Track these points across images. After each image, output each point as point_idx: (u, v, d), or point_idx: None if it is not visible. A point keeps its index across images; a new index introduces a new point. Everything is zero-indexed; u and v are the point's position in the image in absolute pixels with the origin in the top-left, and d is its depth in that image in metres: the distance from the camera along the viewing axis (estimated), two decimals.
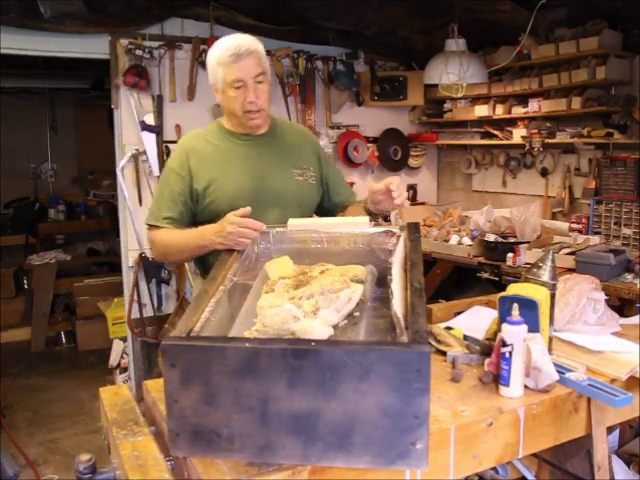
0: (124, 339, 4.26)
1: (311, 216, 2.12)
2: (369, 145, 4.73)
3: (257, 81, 1.92)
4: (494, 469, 1.91)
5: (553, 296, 1.58)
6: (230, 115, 2.02)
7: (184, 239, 1.92)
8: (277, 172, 2.04)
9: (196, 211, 2.01)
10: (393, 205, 1.88)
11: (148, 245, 2.12)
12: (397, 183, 1.82)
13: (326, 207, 2.19)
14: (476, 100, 4.43)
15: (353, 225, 1.82)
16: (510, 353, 1.40)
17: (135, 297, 3.97)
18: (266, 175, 2.01)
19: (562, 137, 3.91)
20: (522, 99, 4.12)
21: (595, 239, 3.53)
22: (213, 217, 1.91)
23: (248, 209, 1.75)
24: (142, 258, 3.95)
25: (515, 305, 1.43)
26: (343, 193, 2.22)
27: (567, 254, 3.32)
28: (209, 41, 3.95)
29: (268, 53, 4.22)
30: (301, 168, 2.08)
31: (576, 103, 3.72)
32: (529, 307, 1.48)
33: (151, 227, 2.01)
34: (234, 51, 1.88)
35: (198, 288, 2.04)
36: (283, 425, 1.10)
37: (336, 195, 2.19)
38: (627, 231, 3.61)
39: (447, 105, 4.69)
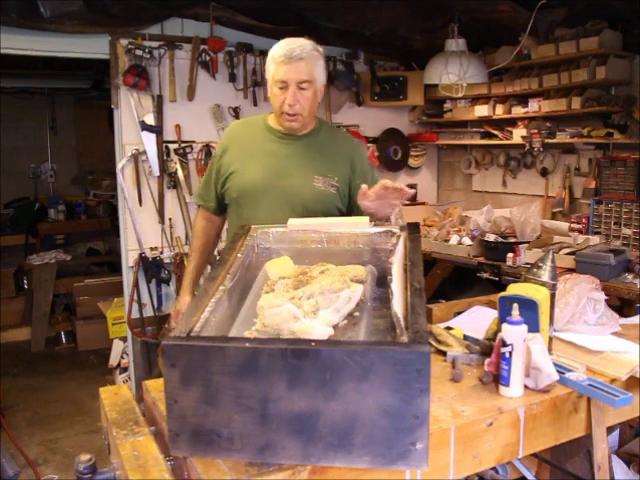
0: (124, 339, 4.26)
1: None
2: (369, 145, 4.73)
3: (300, 87, 1.98)
4: (494, 469, 1.91)
5: (553, 296, 1.58)
6: (274, 112, 2.11)
7: (188, 263, 2.37)
8: (296, 174, 2.07)
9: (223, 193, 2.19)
10: (388, 209, 1.92)
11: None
12: (384, 182, 1.84)
13: None
14: (476, 100, 4.43)
15: (353, 225, 1.82)
16: (510, 353, 1.40)
17: (135, 297, 3.97)
18: (284, 175, 2.07)
19: (562, 137, 3.91)
20: (522, 99, 4.12)
21: (595, 239, 3.53)
22: (229, 202, 2.16)
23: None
24: (142, 258, 3.95)
25: (515, 305, 1.43)
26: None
27: (567, 254, 3.32)
28: (209, 41, 3.95)
29: (267, 53, 4.25)
30: (324, 176, 2.09)
31: (576, 103, 3.72)
32: (529, 307, 1.48)
33: (199, 206, 2.33)
34: (286, 53, 1.96)
35: None
36: (283, 425, 1.10)
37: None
38: (627, 231, 3.61)
39: (447, 105, 4.69)
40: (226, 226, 2.34)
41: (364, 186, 1.88)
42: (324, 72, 2.06)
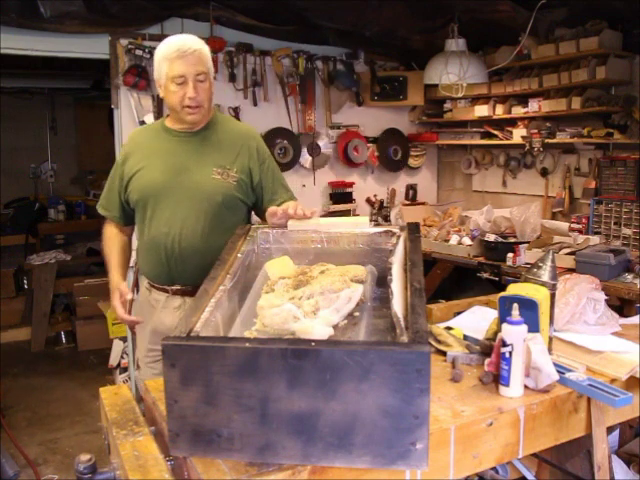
0: (124, 339, 4.26)
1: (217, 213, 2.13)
2: (369, 145, 4.73)
3: (198, 79, 1.99)
4: (494, 469, 1.91)
5: (553, 296, 1.58)
6: (171, 110, 2.10)
7: (107, 257, 2.27)
8: (195, 169, 2.07)
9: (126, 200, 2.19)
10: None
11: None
12: (294, 206, 1.87)
13: (265, 208, 2.17)
14: (476, 100, 4.43)
15: (353, 225, 1.83)
16: (510, 353, 1.40)
17: (135, 297, 3.96)
18: (183, 171, 2.07)
19: (562, 137, 3.91)
20: (522, 99, 4.12)
21: (595, 239, 3.53)
22: (134, 207, 2.15)
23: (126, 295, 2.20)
24: None
25: (515, 305, 1.43)
26: (278, 198, 2.19)
27: (567, 254, 3.32)
28: (209, 41, 3.94)
29: (267, 53, 4.27)
30: (223, 167, 2.08)
31: (576, 103, 3.72)
32: (529, 307, 1.48)
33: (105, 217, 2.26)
34: (179, 47, 1.96)
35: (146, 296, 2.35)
36: (283, 425, 1.10)
37: (269, 200, 2.17)
38: (627, 231, 3.61)
39: (447, 105, 4.69)
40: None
41: (272, 208, 1.92)
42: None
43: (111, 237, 2.26)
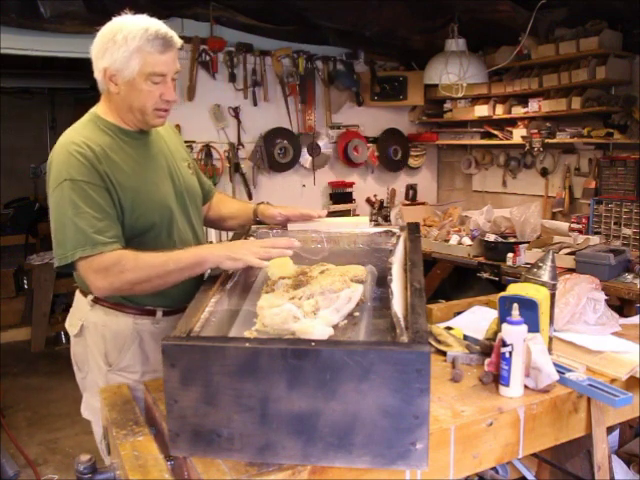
0: None
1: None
2: (369, 145, 4.74)
3: (173, 78, 1.69)
4: (494, 469, 1.91)
5: (553, 296, 1.58)
6: (128, 110, 1.70)
7: (170, 257, 1.55)
8: (178, 169, 1.83)
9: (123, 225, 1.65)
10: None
11: (95, 277, 1.54)
12: (304, 211, 1.82)
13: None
14: (476, 100, 4.43)
15: (353, 225, 1.83)
16: (510, 353, 1.40)
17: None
18: (174, 174, 1.80)
19: (562, 137, 3.91)
20: (522, 99, 4.12)
21: (595, 239, 3.53)
22: (144, 230, 1.68)
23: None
24: None
25: (515, 305, 1.43)
26: (206, 184, 2.04)
27: (567, 254, 3.32)
28: (209, 41, 3.95)
29: (267, 53, 4.28)
30: (187, 161, 1.91)
31: (576, 103, 3.73)
32: (529, 307, 1.48)
33: (90, 257, 1.52)
34: (162, 40, 1.60)
35: (98, 325, 1.76)
36: (283, 425, 1.10)
37: (202, 186, 1.99)
38: (627, 231, 3.61)
39: (447, 105, 4.69)
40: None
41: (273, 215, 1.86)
42: None
43: (141, 253, 1.57)
